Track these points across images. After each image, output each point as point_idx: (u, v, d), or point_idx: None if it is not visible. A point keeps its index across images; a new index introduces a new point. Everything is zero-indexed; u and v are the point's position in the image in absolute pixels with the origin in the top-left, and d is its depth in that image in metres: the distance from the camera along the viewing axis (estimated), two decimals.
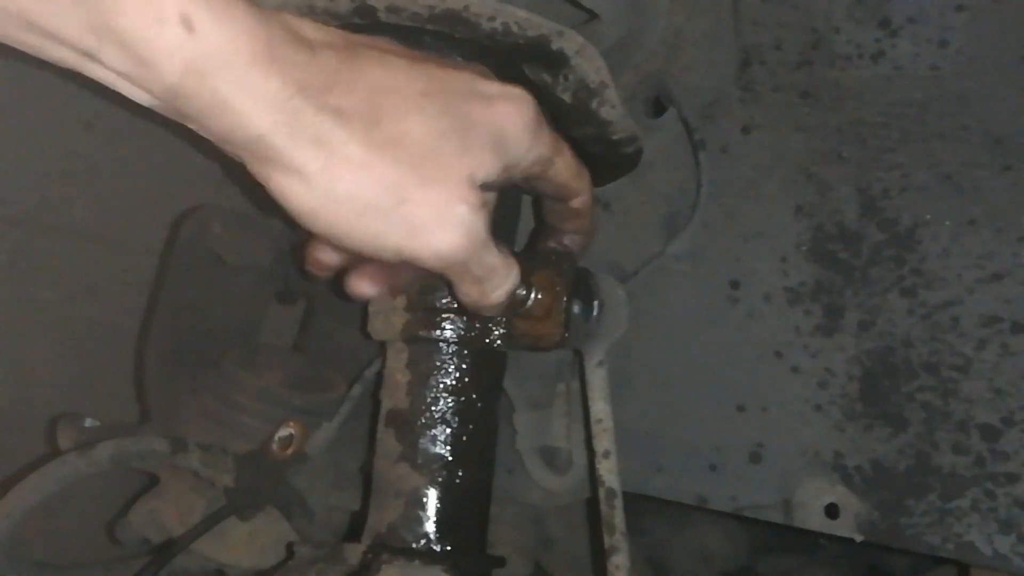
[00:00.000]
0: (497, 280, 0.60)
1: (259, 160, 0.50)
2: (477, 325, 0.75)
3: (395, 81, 0.53)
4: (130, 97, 0.48)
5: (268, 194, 0.53)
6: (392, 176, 0.51)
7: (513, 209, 0.83)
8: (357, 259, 0.63)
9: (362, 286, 0.63)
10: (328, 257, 0.65)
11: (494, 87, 0.58)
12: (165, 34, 0.44)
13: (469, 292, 0.60)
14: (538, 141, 0.60)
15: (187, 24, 0.44)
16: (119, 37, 0.44)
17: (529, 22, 0.65)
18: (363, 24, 0.66)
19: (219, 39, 0.46)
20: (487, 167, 0.55)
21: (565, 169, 0.65)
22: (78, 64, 0.46)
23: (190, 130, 0.51)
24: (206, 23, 0.45)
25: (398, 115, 0.52)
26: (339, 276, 0.66)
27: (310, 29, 0.52)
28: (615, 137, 0.77)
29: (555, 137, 0.63)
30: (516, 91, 0.59)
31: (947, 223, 0.79)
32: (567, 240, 0.75)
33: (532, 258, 0.74)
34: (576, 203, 0.71)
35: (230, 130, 0.48)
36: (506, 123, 0.57)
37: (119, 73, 0.46)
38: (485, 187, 0.56)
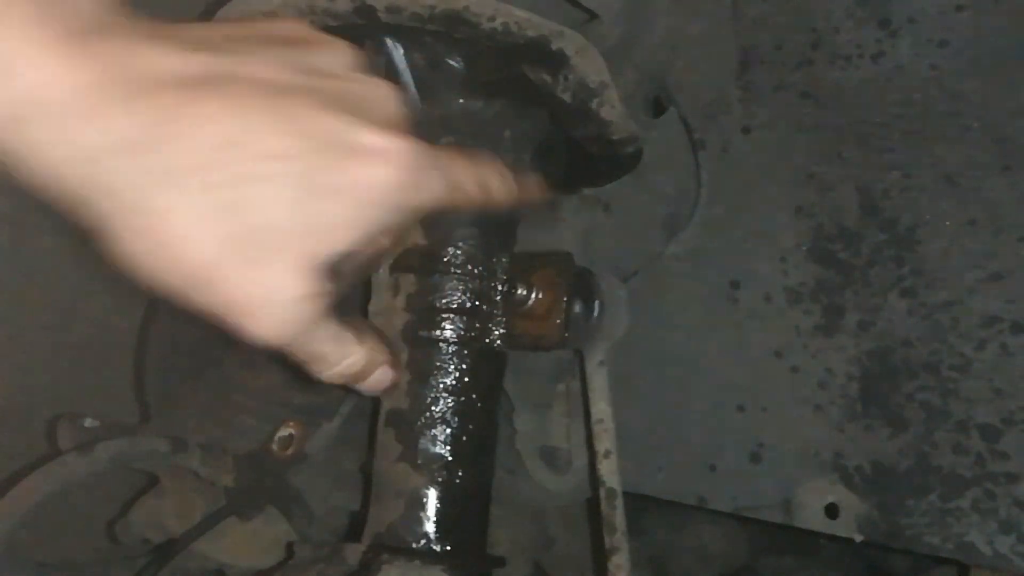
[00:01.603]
0: (326, 364, 0.56)
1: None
2: (477, 325, 0.75)
3: (246, 135, 0.45)
4: None
5: None
6: (213, 253, 0.46)
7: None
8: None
9: None
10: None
11: (368, 136, 0.48)
12: None
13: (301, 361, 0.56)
14: (419, 190, 0.51)
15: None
16: None
17: (529, 22, 0.65)
18: (363, 24, 0.66)
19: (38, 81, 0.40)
20: (337, 243, 0.49)
21: (470, 175, 0.56)
22: None
23: None
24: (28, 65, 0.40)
25: (240, 179, 0.45)
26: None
27: (163, 59, 0.44)
28: (615, 137, 0.77)
29: (446, 159, 0.54)
30: (394, 143, 0.49)
31: (947, 223, 0.79)
32: None
33: (533, 257, 0.74)
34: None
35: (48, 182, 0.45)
36: (373, 187, 0.49)
37: None
38: (337, 260, 0.50)
